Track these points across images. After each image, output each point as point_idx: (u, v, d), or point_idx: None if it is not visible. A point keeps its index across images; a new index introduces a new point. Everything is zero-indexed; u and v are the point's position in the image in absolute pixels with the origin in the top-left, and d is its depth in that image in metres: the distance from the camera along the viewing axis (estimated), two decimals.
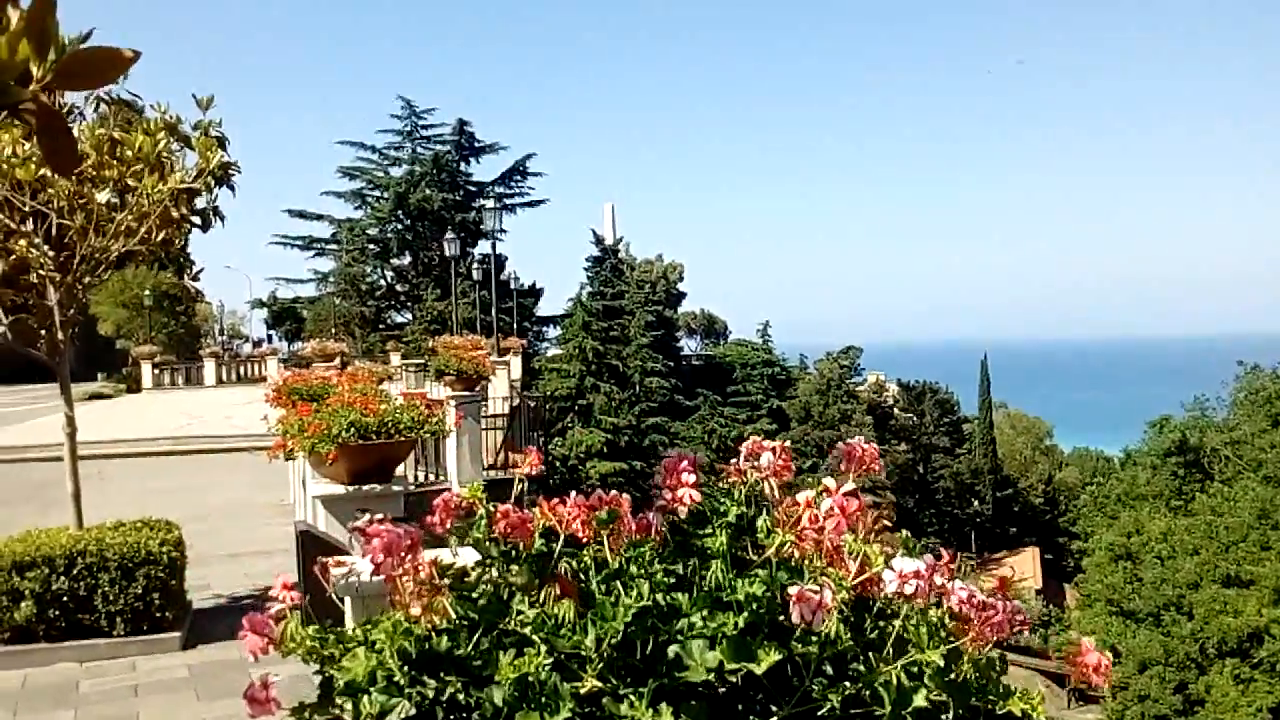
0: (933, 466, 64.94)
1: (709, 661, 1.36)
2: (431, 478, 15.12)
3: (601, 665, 1.38)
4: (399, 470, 7.37)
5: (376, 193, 61.67)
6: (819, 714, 1.40)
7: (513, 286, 54.12)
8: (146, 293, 52.21)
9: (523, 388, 31.23)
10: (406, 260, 62.35)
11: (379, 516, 1.57)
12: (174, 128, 8.19)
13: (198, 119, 8.34)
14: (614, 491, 1.66)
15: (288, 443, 7.06)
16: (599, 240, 60.59)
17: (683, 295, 70.64)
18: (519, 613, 1.51)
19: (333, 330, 52.64)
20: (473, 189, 62.73)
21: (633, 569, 1.52)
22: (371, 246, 61.40)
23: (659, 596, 1.46)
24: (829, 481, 1.58)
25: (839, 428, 57.92)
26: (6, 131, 7.59)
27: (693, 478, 1.64)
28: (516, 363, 34.70)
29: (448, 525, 1.71)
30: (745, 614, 1.39)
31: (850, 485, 1.56)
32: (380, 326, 59.94)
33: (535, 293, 63.47)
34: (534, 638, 1.41)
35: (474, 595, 1.58)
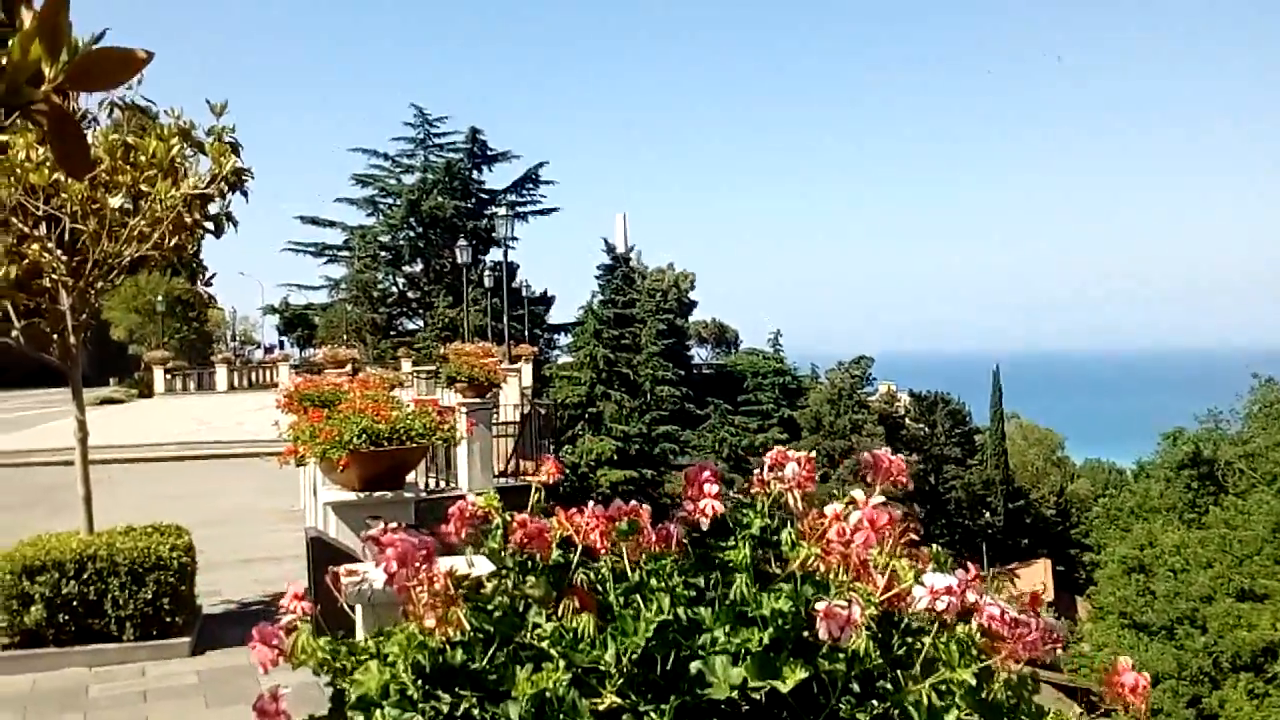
0: (944, 477, 64.66)
1: (733, 678, 1.32)
2: (442, 485, 15.11)
3: (621, 681, 1.34)
4: (410, 477, 7.34)
5: (389, 200, 61.85)
6: None
7: (524, 294, 54.21)
8: (159, 298, 52.46)
9: (534, 395, 31.22)
10: (418, 267, 62.48)
11: (393, 525, 1.53)
12: (187, 133, 8.19)
13: (211, 124, 8.35)
14: (633, 502, 1.62)
15: (299, 449, 7.04)
16: (610, 249, 60.56)
17: (694, 304, 70.63)
18: (535, 626, 1.47)
19: (344, 337, 52.75)
20: (485, 197, 62.83)
21: (653, 582, 1.47)
22: (383, 253, 61.55)
23: (680, 610, 1.42)
24: (857, 494, 1.54)
25: (850, 437, 57.71)
26: (21, 136, 7.60)
27: (715, 488, 1.60)
28: (528, 370, 34.70)
29: (462, 534, 1.67)
30: (770, 630, 1.35)
31: (879, 498, 1.52)
32: (391, 333, 60.02)
33: (546, 300, 63.54)
34: (552, 652, 1.37)
35: (489, 607, 1.53)
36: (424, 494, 9.03)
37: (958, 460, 66.67)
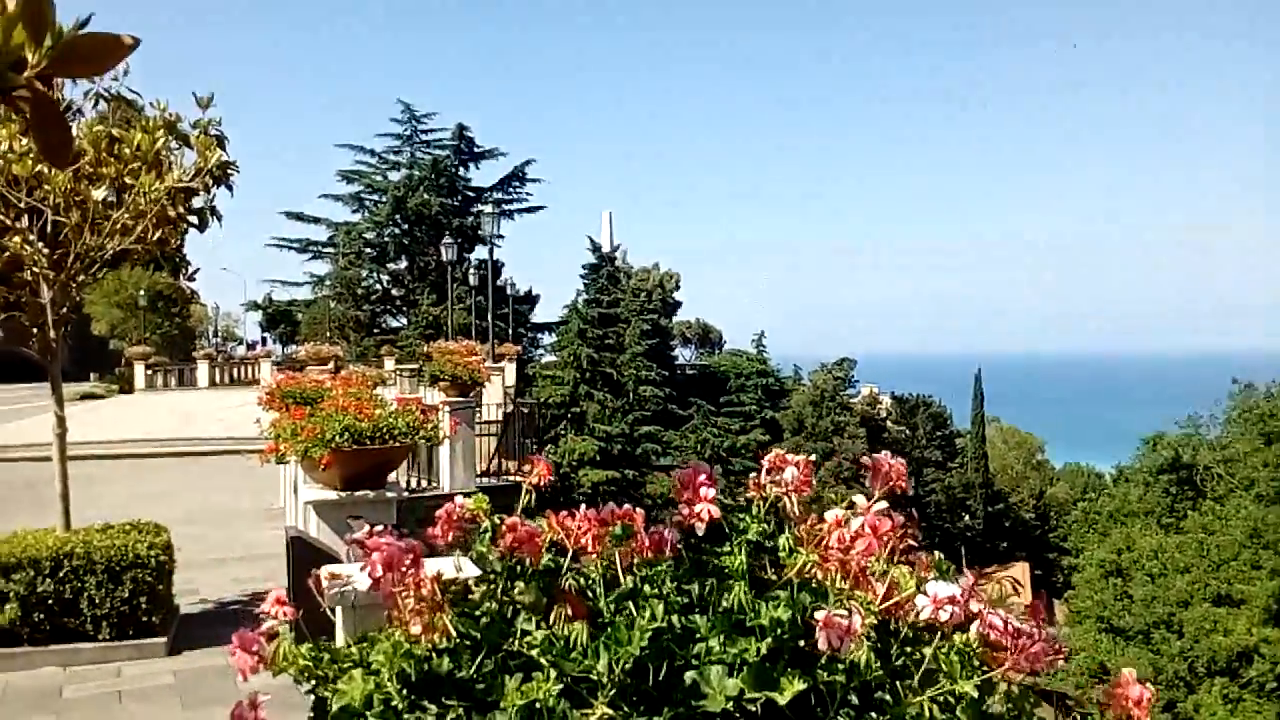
0: (924, 480, 64.83)
1: (728, 689, 1.28)
2: (424, 484, 15.02)
3: (614, 692, 1.29)
4: (391, 477, 7.27)
5: (375, 196, 61.62)
6: None
7: (509, 293, 54.07)
8: (141, 293, 52.14)
9: (516, 394, 31.13)
10: (403, 265, 62.26)
11: (379, 527, 1.49)
12: (173, 126, 8.11)
13: (197, 118, 8.27)
14: (626, 505, 1.58)
15: (280, 446, 6.96)
16: (596, 247, 60.48)
17: (678, 304, 70.64)
18: (524, 633, 1.43)
19: (327, 334, 52.51)
20: (471, 194, 62.66)
21: (647, 588, 1.43)
22: (368, 250, 61.32)
23: (674, 618, 1.38)
24: (859, 499, 1.50)
25: (832, 439, 57.84)
26: (4, 127, 7.51)
27: (712, 491, 1.56)
28: (511, 369, 34.63)
29: (449, 537, 1.63)
30: (769, 639, 1.31)
31: (882, 504, 1.48)
32: (375, 331, 59.81)
33: (531, 299, 63.40)
34: (542, 661, 1.33)
35: (476, 613, 1.49)
36: (406, 493, 8.96)
37: (938, 463, 66.93)
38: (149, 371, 43.30)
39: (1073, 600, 42.32)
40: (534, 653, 1.34)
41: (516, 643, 1.41)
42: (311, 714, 1.40)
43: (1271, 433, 36.84)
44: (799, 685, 1.26)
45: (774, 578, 1.52)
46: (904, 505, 1.53)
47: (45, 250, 7.87)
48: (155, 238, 8.12)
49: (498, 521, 1.61)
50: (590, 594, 1.58)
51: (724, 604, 1.43)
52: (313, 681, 1.41)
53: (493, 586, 1.52)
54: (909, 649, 1.42)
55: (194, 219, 8.51)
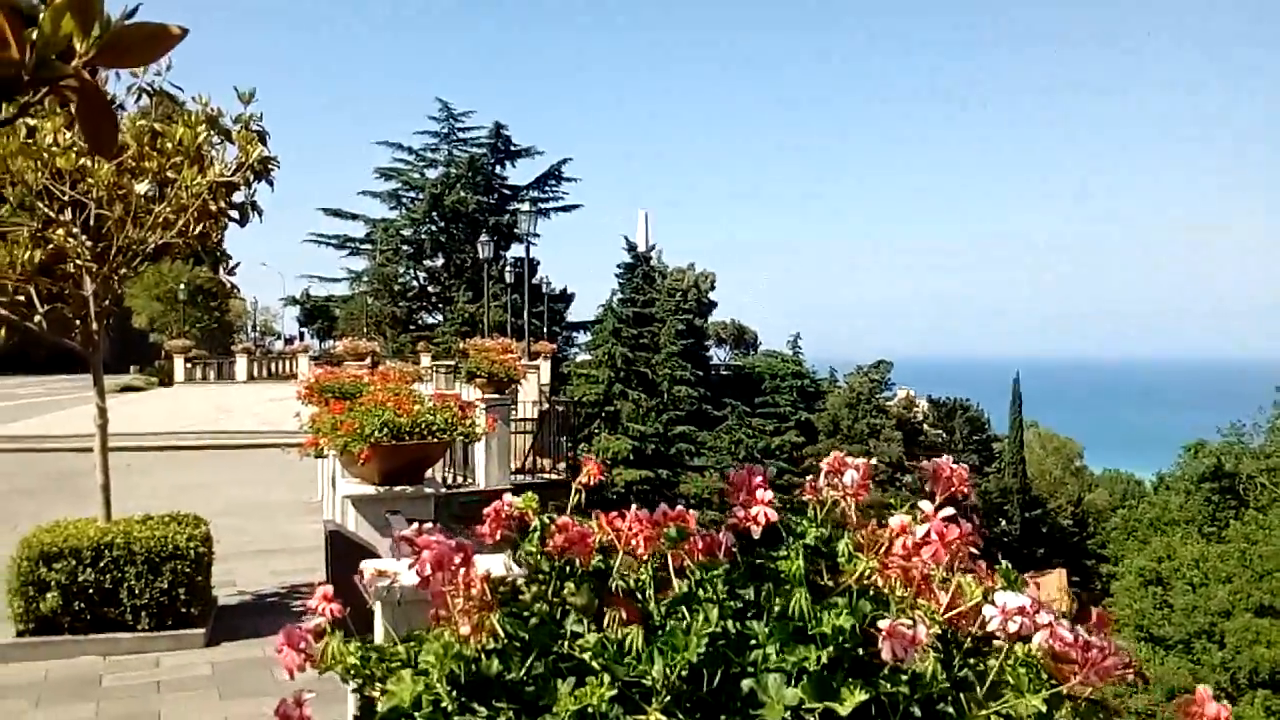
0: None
1: (787, 699, 1.24)
2: (459, 480, 15.06)
3: (668, 698, 1.26)
4: (428, 473, 7.27)
5: (412, 194, 61.97)
6: None
7: (544, 291, 54.18)
8: (181, 287, 52.74)
9: (551, 393, 31.17)
10: (439, 262, 62.58)
11: (428, 525, 1.46)
12: (215, 121, 8.15)
13: (238, 112, 8.30)
14: (679, 507, 1.54)
15: (320, 440, 6.98)
16: (631, 247, 60.54)
17: (713, 305, 70.45)
18: (575, 635, 1.39)
19: (364, 329, 52.85)
20: (507, 192, 62.90)
21: (703, 592, 1.39)
22: (405, 247, 61.68)
23: (729, 624, 1.34)
24: (925, 505, 1.45)
25: (868, 442, 57.50)
26: (49, 120, 7.58)
27: (769, 494, 1.51)
28: (546, 367, 34.68)
29: (497, 536, 1.60)
30: (830, 648, 1.26)
31: (949, 510, 1.43)
32: (411, 327, 60.15)
33: (566, 297, 63.51)
34: (594, 664, 1.29)
35: (524, 614, 1.46)
36: (443, 489, 8.96)
37: (975, 468, 66.32)
38: (188, 365, 43.79)
39: (1111, 608, 41.87)
40: (585, 656, 1.31)
41: (566, 645, 1.38)
42: (358, 714, 1.37)
43: None
44: (861, 696, 1.22)
45: (830, 584, 1.47)
46: (965, 512, 1.48)
47: (88, 243, 7.94)
48: (197, 232, 8.17)
49: (546, 521, 1.58)
50: (640, 596, 1.55)
51: (779, 609, 1.38)
52: (359, 680, 1.38)
53: (543, 587, 1.49)
54: (971, 660, 1.37)
55: (235, 214, 8.55)
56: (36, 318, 8.01)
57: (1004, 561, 1.51)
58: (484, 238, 40.27)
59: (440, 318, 61.23)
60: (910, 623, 1.26)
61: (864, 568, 1.44)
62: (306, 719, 1.44)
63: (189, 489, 14.88)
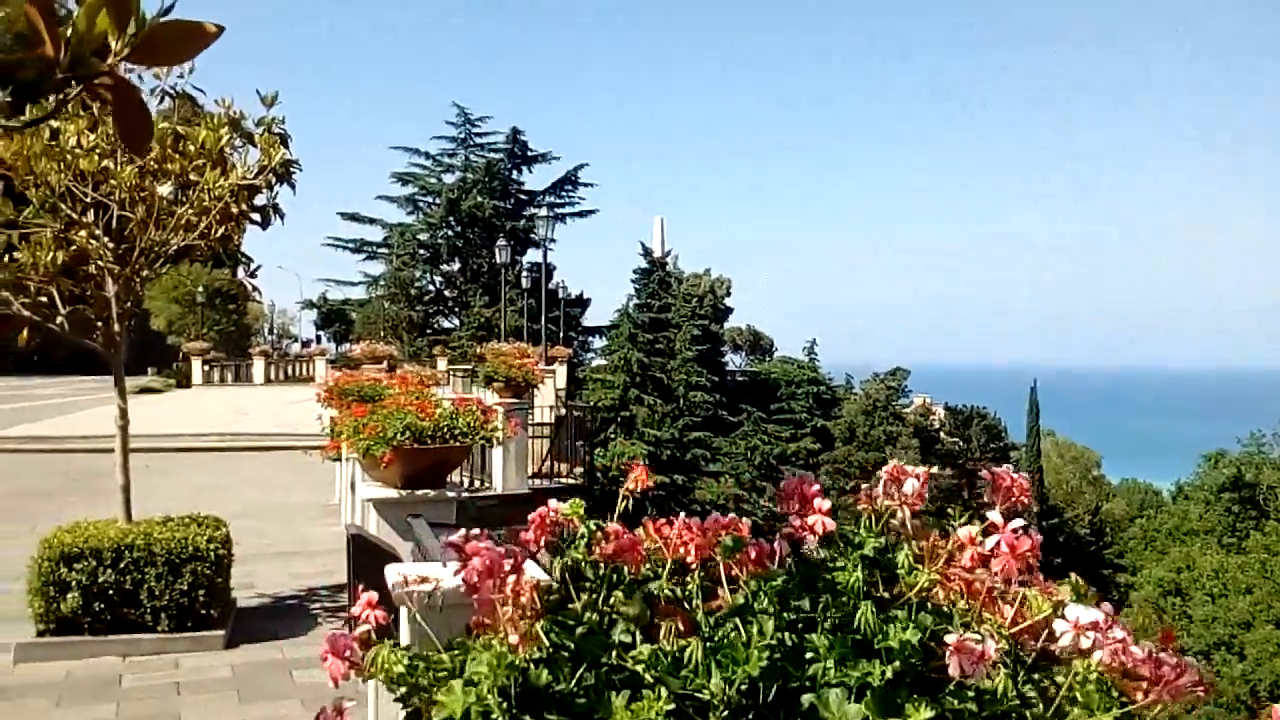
0: (977, 492, 64.08)
1: (850, 715, 1.19)
2: (476, 484, 15.04)
3: (726, 714, 1.21)
4: (450, 477, 7.25)
5: (429, 198, 62.17)
6: None
7: (560, 296, 54.22)
8: (200, 289, 52.98)
9: (567, 397, 31.15)
10: (456, 266, 62.73)
11: (474, 531, 1.42)
12: (237, 123, 8.16)
13: (261, 115, 8.31)
14: (731, 515, 1.50)
15: (341, 443, 6.96)
16: (647, 252, 60.50)
17: (729, 310, 70.34)
18: (623, 645, 1.35)
19: (381, 333, 52.98)
20: (524, 197, 63.03)
21: (760, 603, 1.35)
22: (422, 251, 61.85)
23: (787, 636, 1.30)
24: (994, 515, 1.41)
25: (884, 449, 57.28)
26: (72, 122, 7.60)
27: (828, 503, 1.47)
28: (562, 372, 34.70)
29: (541, 542, 1.56)
30: (896, 663, 1.22)
31: (1019, 521, 1.39)
32: (428, 331, 60.28)
33: (582, 302, 63.56)
34: (647, 677, 1.25)
35: (571, 623, 1.42)
36: (465, 493, 8.94)
37: None
38: (206, 367, 43.98)
39: (1129, 619, 41.60)
40: (639, 668, 1.27)
41: (615, 656, 1.34)
42: None
43: None
44: (926, 713, 1.17)
45: (886, 595, 1.43)
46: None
47: (111, 245, 7.95)
48: (218, 234, 8.17)
49: (595, 527, 1.54)
50: (687, 606, 1.51)
51: (838, 622, 1.34)
52: (404, 689, 1.34)
53: (593, 596, 1.45)
54: (1035, 676, 1.33)
55: (256, 216, 8.56)
56: (59, 319, 8.03)
57: (1073, 574, 1.47)
58: (502, 242, 40.37)
59: (456, 322, 61.37)
60: (979, 637, 1.22)
61: (925, 580, 1.40)
62: None
63: (207, 490, 14.91)
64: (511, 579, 1.35)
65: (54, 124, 7.51)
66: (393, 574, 3.18)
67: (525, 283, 49.70)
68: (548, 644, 1.39)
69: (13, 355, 42.44)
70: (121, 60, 1.69)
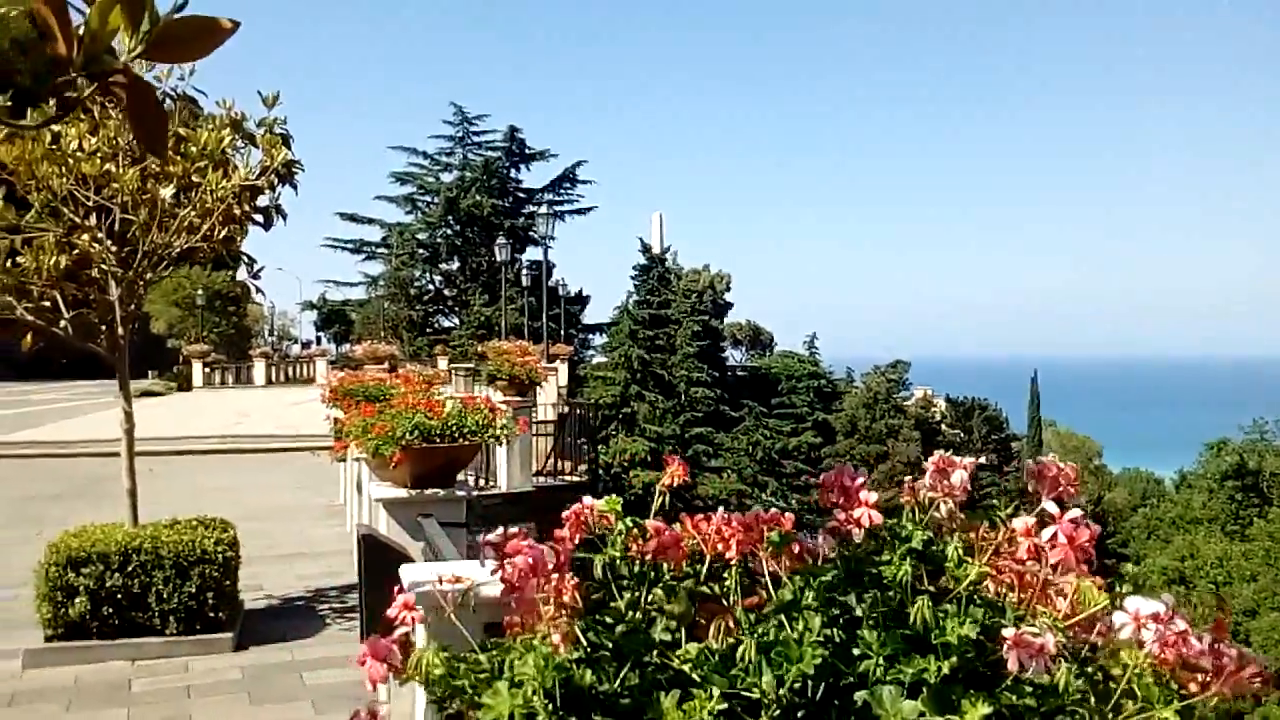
0: (980, 484, 63.88)
1: (905, 712, 1.16)
2: (481, 483, 15.01)
3: (777, 712, 1.19)
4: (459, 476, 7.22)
5: (427, 198, 62.14)
6: None
7: (560, 293, 54.20)
8: (199, 292, 52.96)
9: (569, 395, 31.14)
10: (455, 265, 62.71)
11: (514, 530, 1.39)
12: (238, 124, 8.12)
13: (262, 116, 8.28)
14: (773, 510, 1.47)
15: (350, 443, 6.93)
16: (646, 249, 60.47)
17: (729, 306, 70.37)
18: (665, 644, 1.32)
19: (381, 333, 52.96)
20: (522, 195, 62.98)
21: (808, 599, 1.32)
22: (421, 251, 61.83)
23: (833, 632, 1.27)
24: (1050, 506, 1.38)
25: (886, 442, 57.29)
26: (73, 125, 7.57)
27: (873, 496, 1.44)
28: (564, 370, 34.68)
29: (576, 540, 1.53)
30: (954, 658, 1.19)
31: (1076, 511, 1.36)
32: (428, 330, 60.28)
33: (581, 300, 63.54)
34: (694, 676, 1.22)
35: (610, 621, 1.39)
36: (474, 492, 8.91)
37: (994, 467, 66.07)
38: (207, 369, 43.97)
39: None
40: (685, 667, 1.24)
41: (658, 655, 1.31)
42: None
43: None
44: (984, 709, 1.14)
45: (931, 589, 1.40)
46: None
47: (113, 248, 7.92)
48: (221, 236, 8.14)
49: (632, 525, 1.51)
50: (724, 603, 1.48)
51: (887, 617, 1.31)
52: (443, 691, 1.31)
53: (635, 594, 1.42)
54: (1088, 670, 1.30)
55: (259, 217, 8.53)
56: (62, 323, 7.99)
57: (1129, 565, 1.44)
58: (501, 240, 40.34)
59: (456, 321, 61.37)
60: (1037, 630, 1.19)
61: (975, 573, 1.37)
62: None
63: (210, 493, 14.88)
64: (555, 578, 1.32)
65: (55, 127, 7.48)
66: (408, 574, 3.16)
67: (525, 281, 49.70)
68: (585, 643, 1.36)
69: (13, 360, 42.43)
70: (136, 58, 1.66)
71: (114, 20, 1.63)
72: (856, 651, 1.27)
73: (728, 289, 69.90)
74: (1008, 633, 1.19)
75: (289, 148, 8.40)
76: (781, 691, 1.19)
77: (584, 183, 64.67)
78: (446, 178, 62.09)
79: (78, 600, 7.30)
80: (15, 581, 9.05)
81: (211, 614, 7.63)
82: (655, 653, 1.32)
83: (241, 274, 10.26)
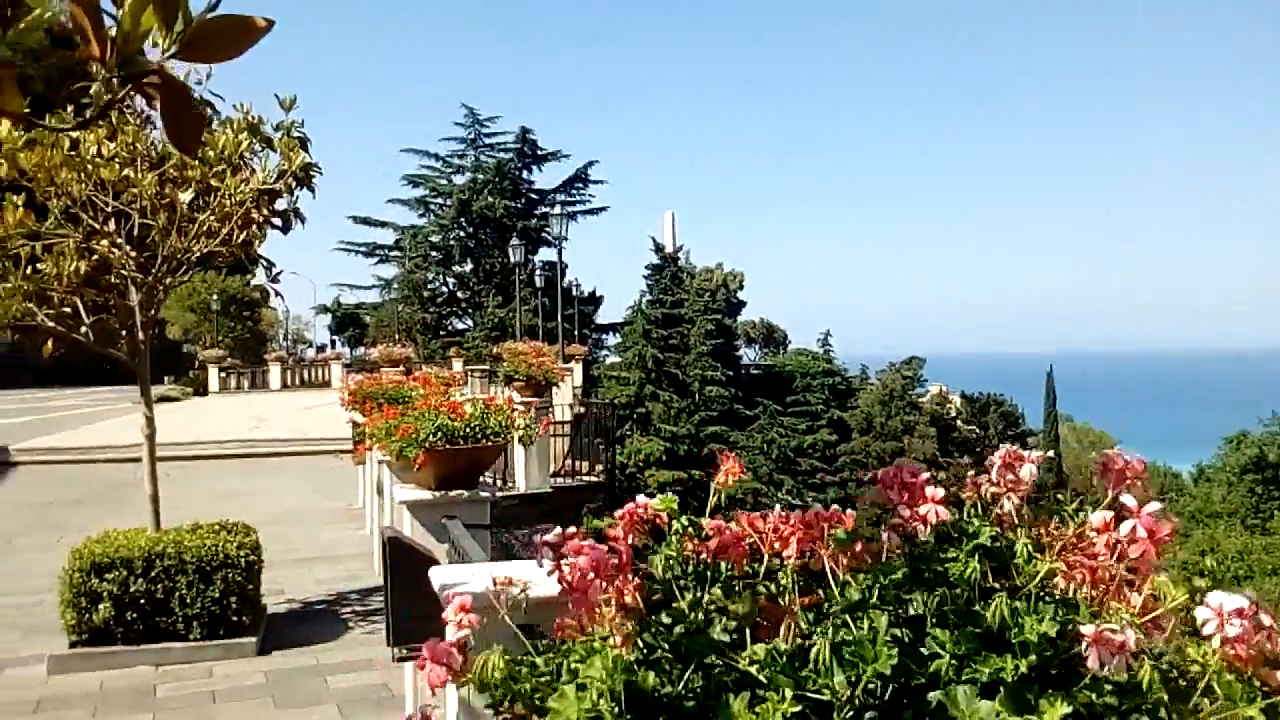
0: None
1: (981, 712, 1.13)
2: (499, 484, 15.01)
3: (850, 713, 1.16)
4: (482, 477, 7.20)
5: (440, 200, 62.22)
6: None
7: (574, 294, 54.21)
8: (214, 297, 53.16)
9: (584, 395, 31.12)
10: (468, 267, 62.78)
11: (570, 530, 1.37)
12: (256, 128, 8.13)
13: (280, 119, 8.28)
14: (834, 507, 1.44)
15: (372, 446, 6.92)
16: (659, 248, 60.39)
17: (742, 304, 70.26)
18: (731, 645, 1.29)
19: (395, 336, 53.04)
20: (534, 196, 63.01)
21: (876, 598, 1.29)
22: (434, 253, 61.91)
23: (902, 631, 1.24)
24: (1129, 499, 1.35)
25: (901, 439, 57.09)
26: (92, 132, 7.59)
27: (940, 492, 1.41)
28: (579, 370, 34.68)
29: (630, 539, 1.50)
30: (1032, 656, 1.16)
31: (1156, 505, 1.32)
32: (441, 333, 60.34)
33: (595, 300, 63.53)
34: (760, 676, 1.19)
35: (669, 622, 1.36)
36: (498, 493, 8.88)
37: None
38: (222, 374, 44.12)
39: None
40: (752, 668, 1.21)
41: (720, 656, 1.28)
42: None
43: None
44: (1063, 709, 1.11)
45: (998, 586, 1.37)
46: None
47: (133, 253, 7.93)
48: (240, 240, 8.15)
49: (688, 524, 1.48)
50: (781, 603, 1.45)
51: (957, 615, 1.28)
52: (502, 695, 1.28)
53: (696, 595, 1.39)
54: (1163, 666, 1.27)
55: (278, 221, 8.53)
56: (83, 329, 8.01)
57: (1208, 559, 1.41)
58: (515, 242, 40.37)
59: (470, 323, 61.42)
60: (1117, 627, 1.16)
61: (1045, 569, 1.33)
62: None
63: (228, 497, 14.90)
64: (619, 578, 1.30)
65: (73, 134, 7.50)
66: (437, 576, 3.14)
67: (539, 282, 49.71)
68: (642, 645, 1.33)
69: (30, 367, 42.64)
70: (170, 58, 1.64)
71: (146, 21, 1.61)
72: (925, 651, 1.23)
73: (741, 287, 69.81)
74: (1087, 629, 1.16)
75: (307, 151, 8.39)
76: (856, 692, 1.16)
77: (596, 183, 64.72)
78: (459, 180, 62.18)
79: (102, 606, 7.32)
80: (39, 588, 9.08)
81: (235, 618, 7.64)
82: (717, 654, 1.29)
83: (260, 278, 10.29)
